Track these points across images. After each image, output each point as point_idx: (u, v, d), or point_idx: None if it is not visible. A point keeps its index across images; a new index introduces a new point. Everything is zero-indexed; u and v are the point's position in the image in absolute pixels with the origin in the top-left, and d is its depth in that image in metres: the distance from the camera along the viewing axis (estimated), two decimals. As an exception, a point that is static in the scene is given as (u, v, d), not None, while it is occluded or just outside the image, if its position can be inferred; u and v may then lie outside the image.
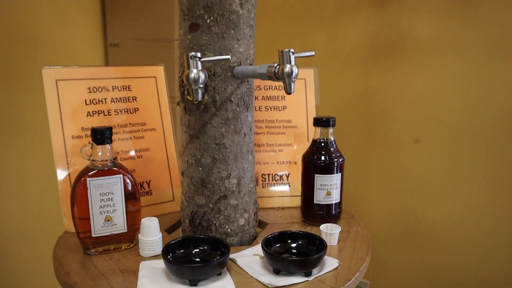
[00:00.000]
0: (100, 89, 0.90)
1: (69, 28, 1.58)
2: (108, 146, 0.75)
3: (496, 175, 1.42)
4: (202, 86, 0.63)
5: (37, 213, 1.47)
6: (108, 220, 0.75)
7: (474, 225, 1.49)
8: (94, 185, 0.73)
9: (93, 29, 1.74)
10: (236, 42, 0.75)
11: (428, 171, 1.55)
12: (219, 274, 0.68)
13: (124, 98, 0.93)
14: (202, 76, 0.62)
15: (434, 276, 1.60)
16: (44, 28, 1.47)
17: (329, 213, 0.90)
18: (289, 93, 0.64)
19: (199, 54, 0.63)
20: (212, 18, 0.73)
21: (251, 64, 0.80)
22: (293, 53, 0.63)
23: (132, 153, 0.93)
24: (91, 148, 0.75)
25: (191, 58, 0.62)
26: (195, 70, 0.62)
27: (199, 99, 0.65)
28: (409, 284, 1.66)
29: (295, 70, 0.63)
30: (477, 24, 1.39)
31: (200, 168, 0.79)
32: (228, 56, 0.65)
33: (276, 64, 0.65)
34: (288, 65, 0.63)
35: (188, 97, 0.73)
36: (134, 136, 0.94)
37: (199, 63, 0.62)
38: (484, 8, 1.37)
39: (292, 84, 0.64)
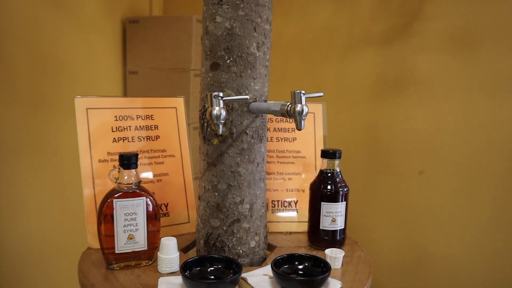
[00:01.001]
0: (125, 118, 0.99)
1: (92, 56, 1.69)
2: (133, 171, 0.83)
3: (499, 206, 1.48)
4: (223, 122, 0.71)
5: (61, 229, 1.55)
6: (131, 238, 0.83)
7: (478, 257, 1.53)
8: (120, 205, 0.81)
9: (114, 57, 1.85)
10: (252, 80, 0.84)
11: (432, 203, 1.61)
12: (232, 291, 0.74)
13: (147, 127, 1.01)
14: (224, 113, 0.71)
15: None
16: (70, 57, 1.57)
17: (334, 239, 0.96)
18: (299, 129, 0.71)
19: (221, 94, 0.71)
20: (231, 59, 0.82)
21: (266, 100, 0.88)
22: (304, 94, 0.71)
23: (152, 177, 1.01)
24: (118, 172, 0.83)
25: (214, 97, 0.70)
26: (217, 108, 0.70)
27: (220, 133, 0.72)
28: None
29: (305, 109, 0.70)
30: (477, 63, 1.48)
31: (216, 193, 0.86)
32: (247, 96, 0.74)
33: (288, 103, 0.72)
34: (299, 105, 0.71)
35: (213, 127, 0.81)
36: (155, 162, 1.01)
37: (221, 101, 0.71)
38: (483, 48, 1.46)
39: (302, 122, 0.71)
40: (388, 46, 1.64)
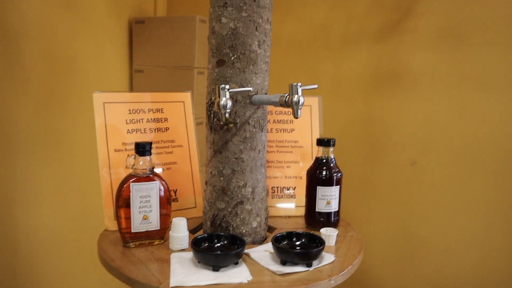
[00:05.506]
0: (138, 111, 1.08)
1: (101, 55, 1.78)
2: (148, 157, 0.92)
3: (491, 195, 1.57)
4: (229, 111, 0.80)
5: (74, 218, 1.65)
6: (145, 219, 0.91)
7: (471, 245, 1.62)
8: (136, 189, 0.90)
9: (121, 56, 1.93)
10: (254, 75, 0.92)
11: (425, 192, 1.70)
12: (236, 263, 0.83)
13: (158, 119, 1.10)
14: (230, 103, 0.80)
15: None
16: (80, 56, 1.66)
17: (329, 220, 1.05)
18: (296, 118, 0.80)
19: (227, 86, 0.80)
20: (235, 56, 0.91)
21: (266, 93, 0.97)
22: (300, 86, 0.80)
23: (162, 165, 1.09)
24: (134, 158, 0.92)
25: (221, 89, 0.79)
26: (224, 98, 0.79)
27: (224, 121, 0.81)
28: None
29: (301, 99, 0.79)
30: (466, 59, 1.57)
31: (222, 178, 0.95)
32: (250, 88, 0.83)
33: (286, 95, 0.81)
34: (296, 95, 0.79)
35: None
36: (165, 151, 1.10)
37: (227, 92, 0.79)
38: (472, 44, 1.55)
39: (299, 111, 0.80)
40: (382, 42, 1.73)
